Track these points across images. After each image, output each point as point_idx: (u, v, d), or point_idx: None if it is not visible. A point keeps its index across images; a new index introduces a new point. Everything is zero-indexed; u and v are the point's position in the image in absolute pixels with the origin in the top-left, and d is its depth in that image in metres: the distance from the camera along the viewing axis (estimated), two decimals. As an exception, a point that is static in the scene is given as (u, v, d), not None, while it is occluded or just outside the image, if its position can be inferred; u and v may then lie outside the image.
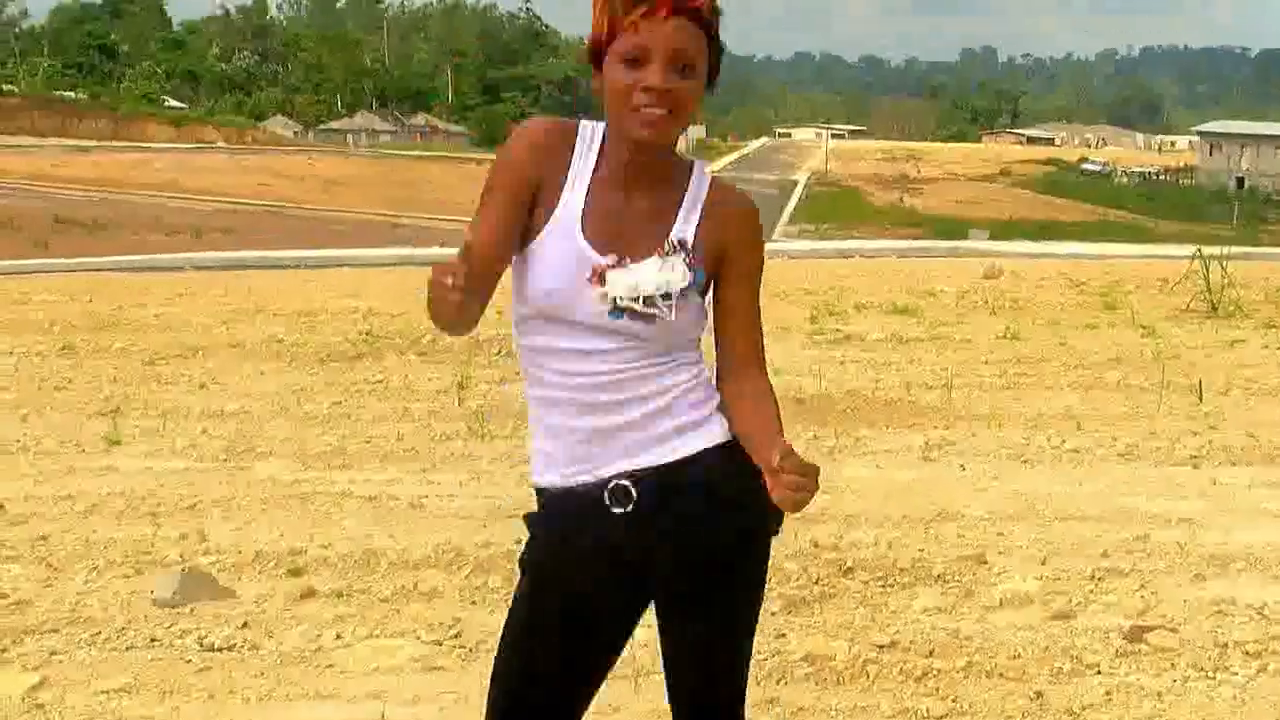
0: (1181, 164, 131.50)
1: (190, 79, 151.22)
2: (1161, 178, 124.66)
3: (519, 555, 3.21)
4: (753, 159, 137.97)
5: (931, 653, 5.63)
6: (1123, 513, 7.61)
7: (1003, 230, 52.06)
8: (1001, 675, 5.43)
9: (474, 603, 6.18)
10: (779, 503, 2.79)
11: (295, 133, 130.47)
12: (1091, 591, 6.37)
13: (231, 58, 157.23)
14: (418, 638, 5.73)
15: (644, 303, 2.93)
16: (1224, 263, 15.22)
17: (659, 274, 2.93)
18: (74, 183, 64.20)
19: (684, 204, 3.01)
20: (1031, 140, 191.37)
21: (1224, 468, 8.66)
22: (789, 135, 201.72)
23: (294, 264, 20.41)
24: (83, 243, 34.52)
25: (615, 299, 2.92)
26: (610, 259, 2.93)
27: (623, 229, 2.96)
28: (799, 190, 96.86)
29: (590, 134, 3.02)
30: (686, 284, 2.95)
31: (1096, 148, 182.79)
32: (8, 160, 72.22)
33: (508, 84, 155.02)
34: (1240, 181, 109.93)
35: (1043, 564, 6.75)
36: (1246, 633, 5.86)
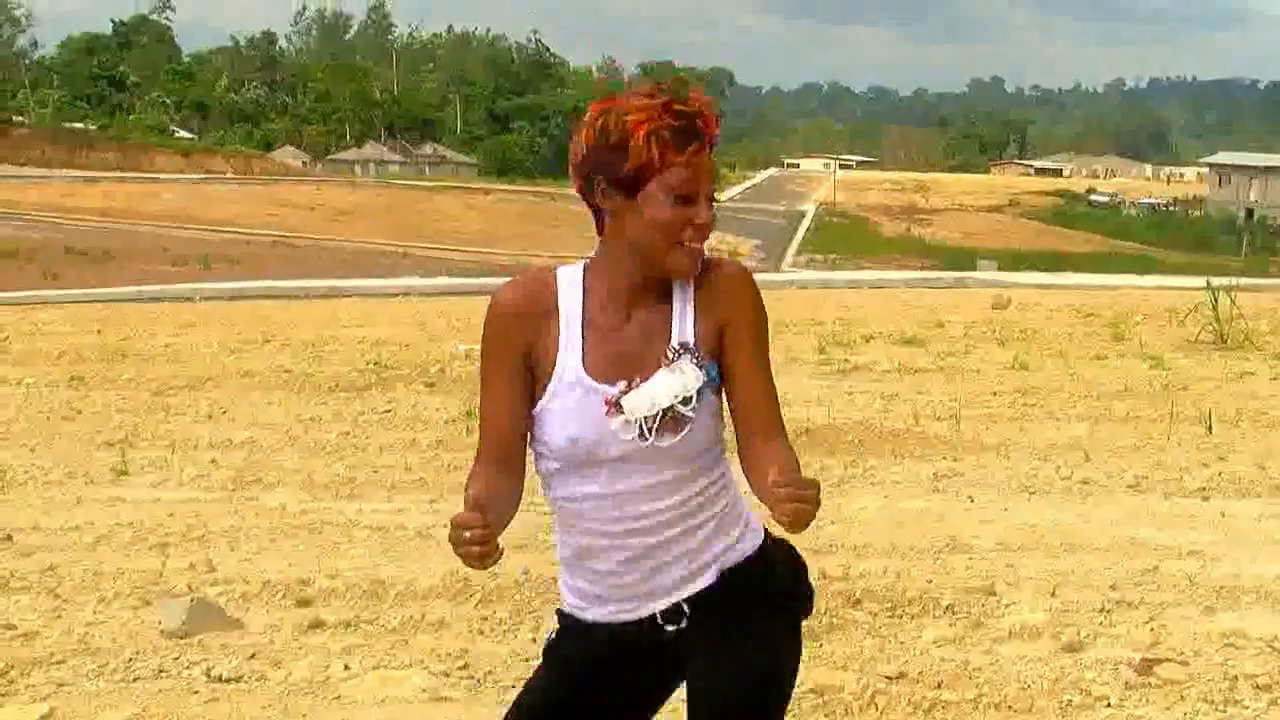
0: (1190, 195, 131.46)
1: (199, 110, 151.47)
2: (1170, 209, 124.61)
3: (545, 643, 3.25)
4: (761, 189, 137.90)
5: (940, 684, 5.61)
6: (1132, 544, 7.60)
7: (1011, 261, 52.08)
8: (1010, 708, 5.42)
9: (481, 633, 6.17)
10: (781, 522, 2.79)
11: (304, 163, 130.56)
12: (1101, 624, 6.36)
13: (240, 88, 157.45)
14: (425, 668, 5.72)
15: (666, 415, 2.92)
16: (1233, 294, 15.20)
17: (671, 381, 2.93)
18: (83, 213, 64.23)
19: (675, 307, 2.99)
20: (1040, 171, 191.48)
21: (1233, 499, 8.65)
22: (797, 166, 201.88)
23: (302, 294, 20.46)
24: (92, 273, 34.55)
25: (639, 421, 2.92)
26: (620, 386, 2.93)
27: (624, 355, 2.96)
28: (807, 221, 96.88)
29: (568, 278, 3.03)
30: (701, 383, 2.94)
31: (1105, 178, 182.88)
32: (18, 191, 72.34)
33: (516, 114, 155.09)
34: (1249, 213, 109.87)
35: (1052, 595, 6.73)
36: (1257, 665, 5.84)
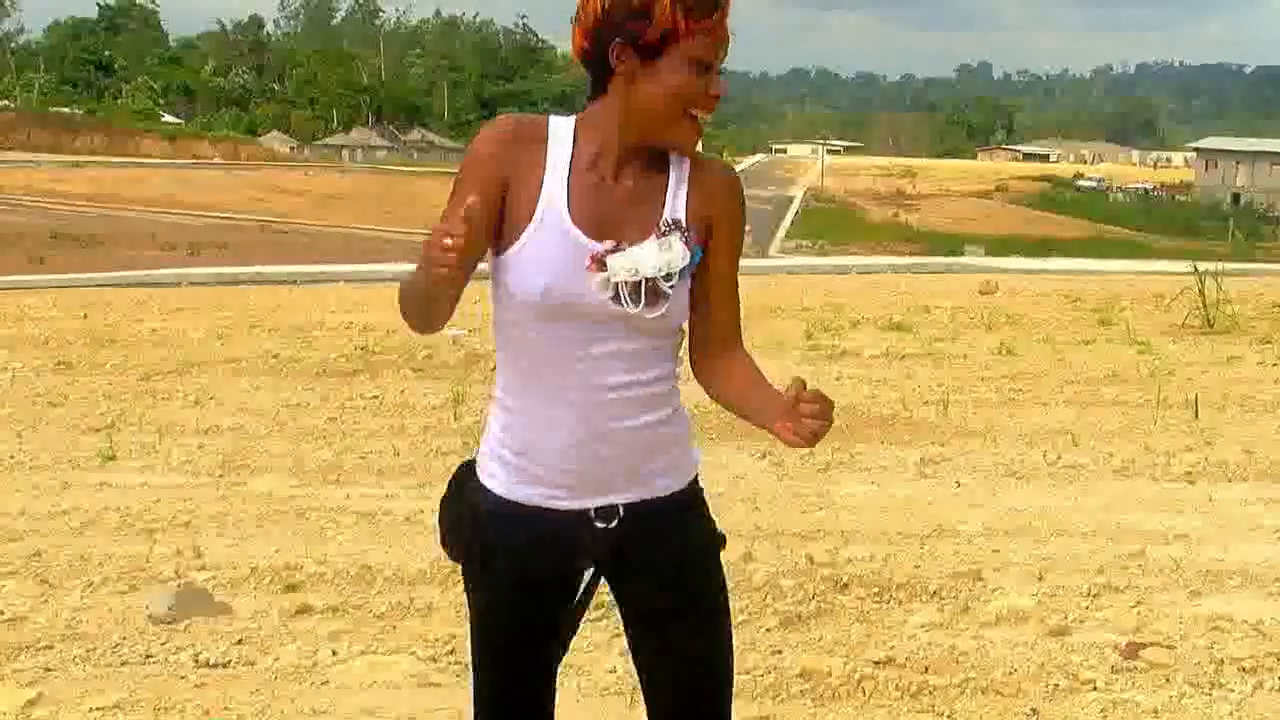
0: (1178, 180, 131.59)
1: (186, 94, 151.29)
2: (1158, 194, 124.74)
3: (464, 536, 3.17)
4: (748, 175, 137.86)
5: (927, 669, 5.62)
6: (1119, 529, 7.61)
7: (998, 246, 52.14)
8: (997, 692, 5.43)
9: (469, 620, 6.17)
10: (796, 437, 2.85)
11: (291, 148, 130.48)
12: (1087, 608, 6.37)
13: (228, 73, 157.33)
14: (413, 654, 5.72)
15: (646, 285, 2.88)
16: (1220, 279, 15.22)
17: (659, 254, 2.89)
18: (70, 198, 64.15)
19: (671, 183, 2.96)
20: (1027, 156, 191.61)
21: (1220, 484, 8.67)
22: (784, 151, 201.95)
23: (290, 279, 20.42)
24: (79, 258, 34.47)
25: (618, 284, 2.87)
26: (608, 244, 2.87)
27: (613, 214, 2.91)
28: (795, 206, 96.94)
29: (562, 128, 2.97)
30: (686, 262, 2.92)
31: (1092, 164, 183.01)
32: (4, 175, 72.19)
33: (504, 99, 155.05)
34: (1236, 198, 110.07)
35: (1039, 580, 6.75)
36: (1243, 649, 5.86)
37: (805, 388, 2.83)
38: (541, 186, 2.91)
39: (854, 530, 7.51)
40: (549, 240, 2.89)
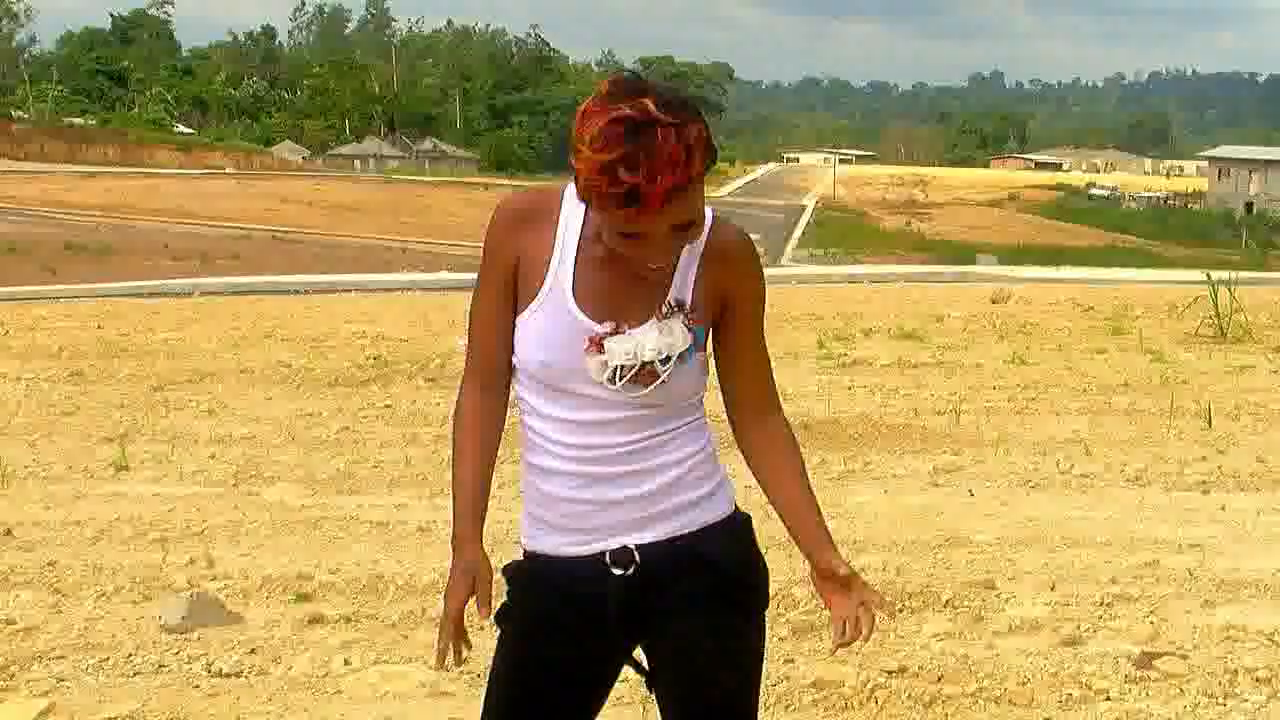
0: (1190, 189, 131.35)
1: (199, 105, 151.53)
2: (1170, 202, 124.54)
3: (498, 610, 3.14)
4: (760, 184, 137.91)
5: (940, 678, 5.62)
6: (1132, 538, 7.60)
7: (1011, 255, 52.09)
8: (1010, 702, 5.42)
9: (481, 628, 6.13)
10: (838, 630, 3.09)
11: (303, 158, 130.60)
12: (1101, 617, 6.36)
13: (240, 84, 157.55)
14: (425, 663, 5.72)
15: (644, 368, 2.87)
16: (1232, 288, 15.20)
17: (659, 338, 2.86)
18: (83, 208, 64.23)
19: (680, 261, 2.90)
20: (1040, 165, 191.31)
21: (1233, 493, 8.66)
22: (797, 160, 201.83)
23: (302, 289, 20.47)
24: (92, 268, 34.54)
25: (616, 367, 2.86)
26: (608, 326, 2.86)
27: (617, 293, 2.88)
28: (807, 215, 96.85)
29: (572, 204, 2.91)
30: (686, 346, 2.89)
31: (1105, 172, 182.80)
32: (17, 186, 72.33)
33: (516, 109, 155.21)
34: (1249, 206, 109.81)
35: (1052, 590, 6.74)
36: (1257, 659, 5.84)
37: (863, 600, 3.15)
38: (549, 263, 2.91)
39: (866, 539, 7.50)
40: (551, 317, 2.90)
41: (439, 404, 11.04)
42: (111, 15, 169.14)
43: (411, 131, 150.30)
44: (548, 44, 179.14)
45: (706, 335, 2.97)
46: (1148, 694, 5.50)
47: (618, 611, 3.02)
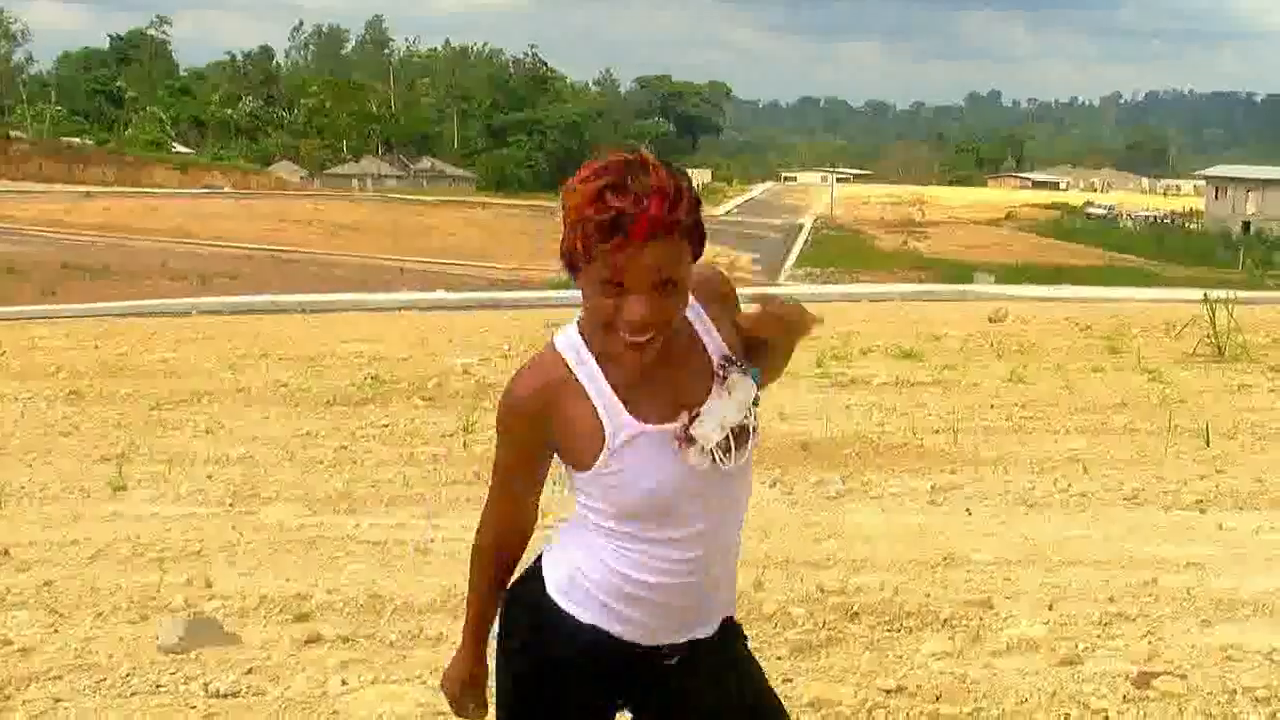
0: (1188, 208, 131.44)
1: (196, 125, 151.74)
2: (1168, 222, 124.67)
3: (511, 645, 3.14)
4: (758, 203, 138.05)
5: (939, 698, 5.61)
6: (1130, 557, 7.59)
7: (1009, 274, 52.15)
8: (1009, 721, 5.41)
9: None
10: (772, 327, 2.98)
11: (301, 178, 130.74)
12: (1099, 637, 6.35)
13: (237, 104, 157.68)
14: (423, 683, 5.71)
15: (735, 431, 2.89)
16: (1230, 307, 15.19)
17: (734, 398, 2.89)
18: (81, 228, 64.36)
19: (698, 327, 2.94)
20: (1037, 184, 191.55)
21: (1231, 512, 8.65)
22: (794, 179, 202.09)
23: (300, 309, 20.42)
24: (90, 288, 34.59)
25: (714, 446, 2.87)
26: (683, 419, 2.87)
27: (671, 391, 2.90)
28: (804, 234, 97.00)
29: (572, 346, 2.92)
30: (754, 387, 2.94)
31: (1102, 192, 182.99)
32: (16, 206, 72.42)
33: (514, 128, 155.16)
34: (1246, 226, 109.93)
35: (1050, 609, 6.73)
36: (1255, 679, 5.84)
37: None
38: (596, 413, 2.89)
39: (865, 559, 7.50)
40: (633, 452, 2.89)
41: (436, 423, 11.04)
42: (109, 35, 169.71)
43: (409, 151, 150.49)
44: (545, 64, 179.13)
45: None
46: (1146, 713, 5.49)
47: (636, 688, 3.10)
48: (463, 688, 3.27)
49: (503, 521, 3.10)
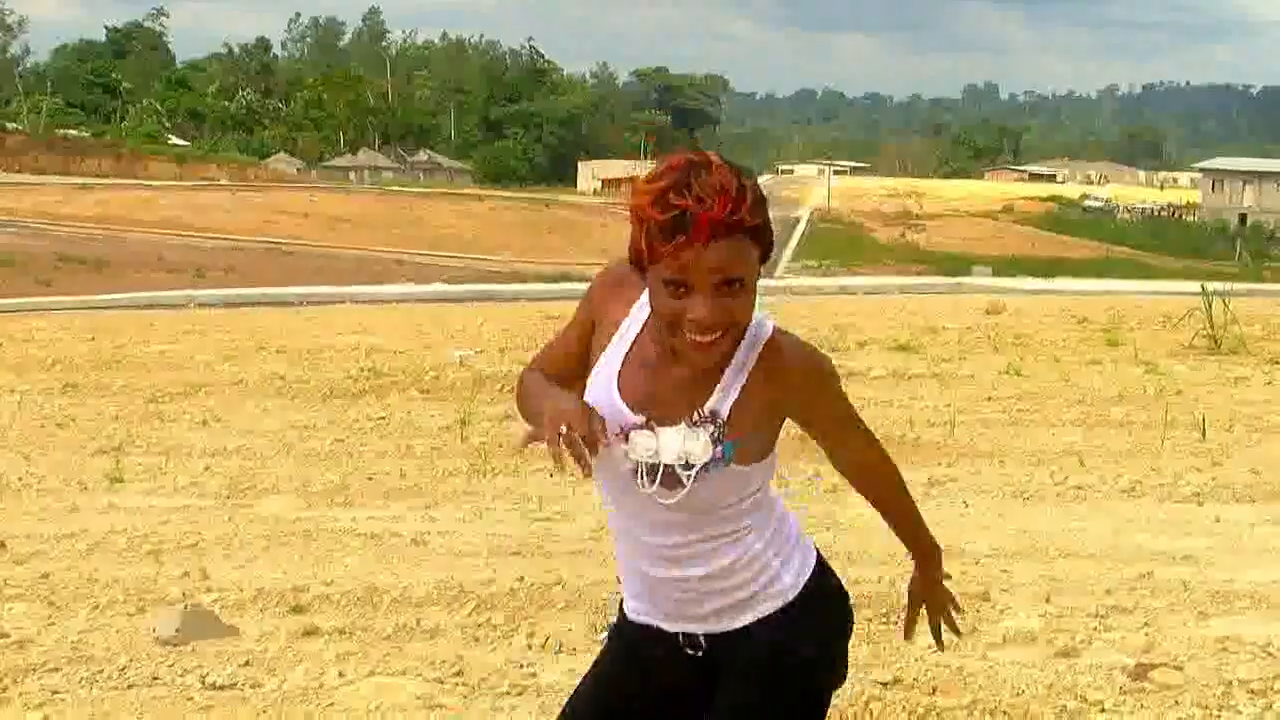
0: (1184, 201, 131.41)
1: (193, 117, 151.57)
2: (1164, 214, 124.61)
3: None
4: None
5: (935, 690, 5.62)
6: (1126, 550, 7.60)
7: (1006, 267, 52.10)
8: (1005, 714, 5.42)
9: (476, 640, 6.17)
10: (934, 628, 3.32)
11: (298, 170, 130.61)
12: (1095, 629, 6.36)
13: (234, 96, 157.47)
14: (420, 675, 5.72)
15: (666, 470, 2.88)
16: (1227, 300, 15.20)
17: (681, 444, 2.87)
18: (78, 221, 64.30)
19: (726, 373, 2.90)
20: (1034, 177, 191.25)
21: (1228, 505, 8.65)
22: (791, 172, 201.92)
23: (297, 301, 20.42)
24: (86, 281, 34.60)
25: (637, 461, 2.90)
26: (638, 419, 2.89)
27: (658, 390, 2.91)
28: (801, 227, 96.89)
29: (642, 305, 2.98)
30: (709, 458, 2.88)
31: (1099, 184, 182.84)
32: (12, 198, 72.30)
33: (510, 120, 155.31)
34: (1243, 218, 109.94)
35: (1046, 601, 6.74)
36: (1251, 671, 5.85)
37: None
38: (609, 345, 2.99)
39: (861, 551, 7.49)
40: (598, 397, 2.94)
41: (434, 416, 11.04)
42: (106, 27, 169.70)
43: (406, 144, 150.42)
44: (543, 56, 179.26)
45: (748, 447, 2.95)
46: (1142, 706, 5.50)
47: (688, 684, 3.12)
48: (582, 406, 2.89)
49: (545, 353, 3.20)
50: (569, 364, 3.09)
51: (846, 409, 3.09)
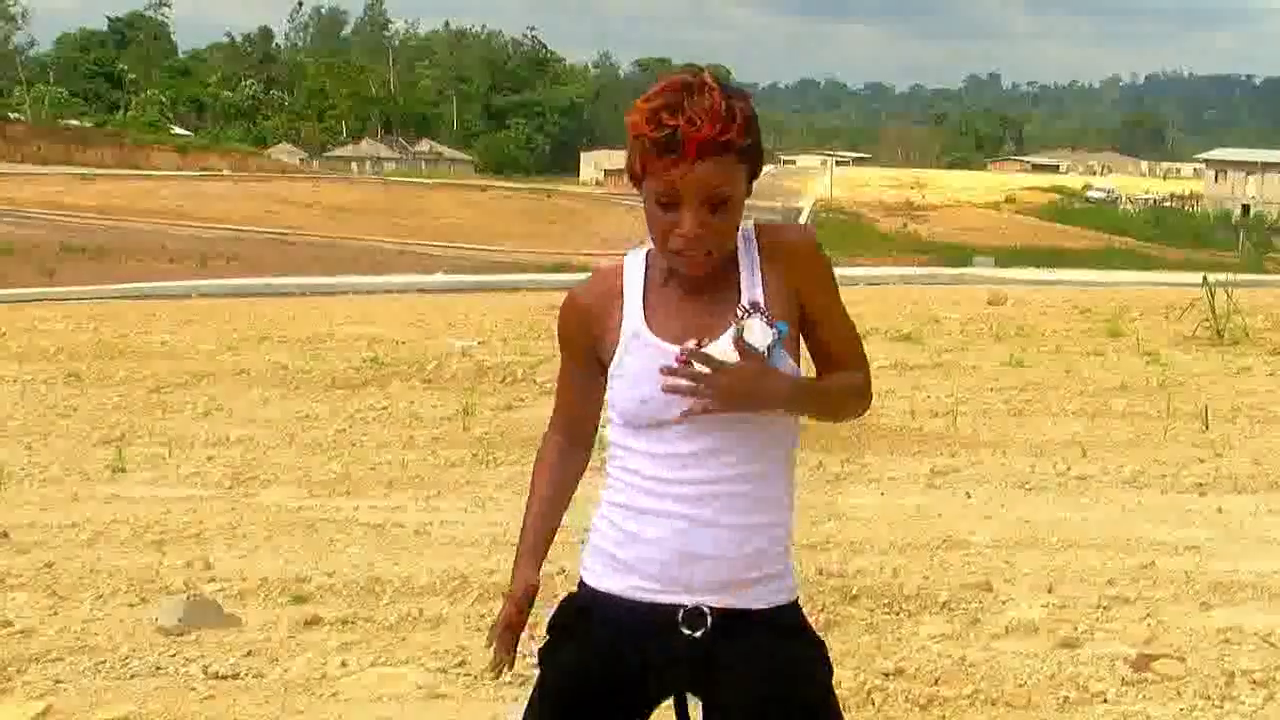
0: (1187, 191, 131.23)
1: (196, 106, 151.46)
2: (1167, 204, 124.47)
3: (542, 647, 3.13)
4: (756, 186, 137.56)
5: (937, 681, 5.62)
6: (1129, 540, 7.60)
7: (1008, 257, 52.05)
8: (1008, 704, 5.42)
9: (478, 630, 6.17)
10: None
11: (301, 160, 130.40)
12: (1098, 620, 6.36)
13: (237, 85, 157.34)
14: (422, 665, 5.72)
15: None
16: (1230, 290, 15.19)
17: (740, 339, 2.88)
18: (80, 210, 64.17)
19: (743, 271, 2.96)
20: (1037, 167, 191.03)
21: (1230, 495, 8.66)
22: (793, 162, 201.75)
23: (299, 291, 20.42)
24: (89, 270, 34.55)
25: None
26: (689, 344, 2.88)
27: (694, 322, 2.93)
28: (803, 217, 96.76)
29: (636, 261, 3.04)
30: (771, 340, 2.90)
31: (1102, 174, 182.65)
32: (14, 188, 72.21)
33: (512, 110, 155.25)
34: (1246, 209, 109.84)
35: (1049, 592, 6.74)
36: (1254, 661, 5.85)
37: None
38: (623, 318, 2.99)
39: (863, 541, 7.50)
40: (638, 355, 2.95)
41: (436, 406, 11.05)
42: (108, 17, 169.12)
43: (408, 133, 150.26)
44: (544, 45, 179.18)
45: (798, 331, 3.00)
46: (1145, 696, 5.50)
47: (675, 668, 3.01)
48: (503, 618, 3.14)
49: (563, 409, 3.21)
50: (585, 402, 3.14)
51: (838, 295, 3.10)
